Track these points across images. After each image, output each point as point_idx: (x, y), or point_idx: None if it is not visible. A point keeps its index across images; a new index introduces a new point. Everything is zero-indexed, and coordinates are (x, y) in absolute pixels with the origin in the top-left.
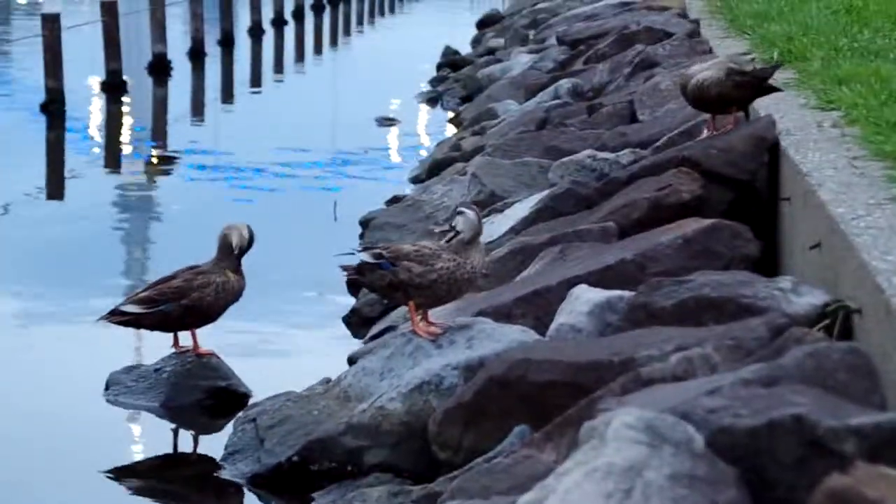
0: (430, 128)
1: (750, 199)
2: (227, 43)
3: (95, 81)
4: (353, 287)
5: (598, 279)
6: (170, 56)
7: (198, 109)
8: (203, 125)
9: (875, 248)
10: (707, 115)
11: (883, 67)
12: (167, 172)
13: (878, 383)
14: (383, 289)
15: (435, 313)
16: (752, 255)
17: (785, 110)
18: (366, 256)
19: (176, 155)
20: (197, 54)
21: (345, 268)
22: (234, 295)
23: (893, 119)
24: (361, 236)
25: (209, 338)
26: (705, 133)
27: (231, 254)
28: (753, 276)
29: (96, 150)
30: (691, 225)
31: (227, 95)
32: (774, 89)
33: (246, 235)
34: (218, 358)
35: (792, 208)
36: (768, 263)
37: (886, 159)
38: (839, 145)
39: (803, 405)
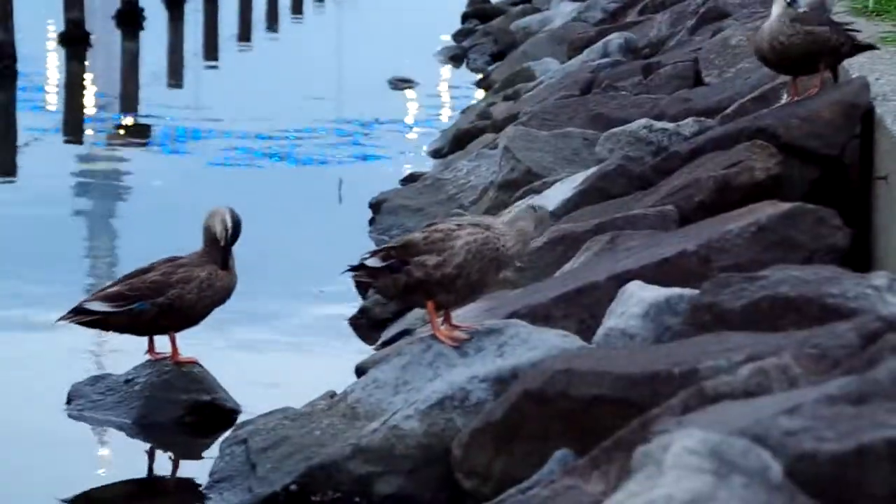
0: (454, 91)
1: (838, 179)
2: None
3: (53, 33)
4: (362, 283)
5: (654, 274)
6: (142, 3)
7: (175, 68)
8: (182, 88)
9: None
10: (787, 78)
11: None
12: (139, 144)
13: None
14: (400, 293)
15: (459, 315)
16: (841, 246)
17: (881, 70)
18: (373, 262)
19: (149, 123)
20: (174, 1)
21: (354, 272)
22: (221, 293)
23: None
24: (372, 222)
25: (191, 343)
26: (785, 98)
27: (218, 245)
28: (841, 271)
29: (54, 116)
30: (766, 209)
31: (211, 51)
32: (869, 47)
33: (229, 222)
34: (201, 367)
35: (889, 189)
36: (860, 256)
37: None
38: None
39: None
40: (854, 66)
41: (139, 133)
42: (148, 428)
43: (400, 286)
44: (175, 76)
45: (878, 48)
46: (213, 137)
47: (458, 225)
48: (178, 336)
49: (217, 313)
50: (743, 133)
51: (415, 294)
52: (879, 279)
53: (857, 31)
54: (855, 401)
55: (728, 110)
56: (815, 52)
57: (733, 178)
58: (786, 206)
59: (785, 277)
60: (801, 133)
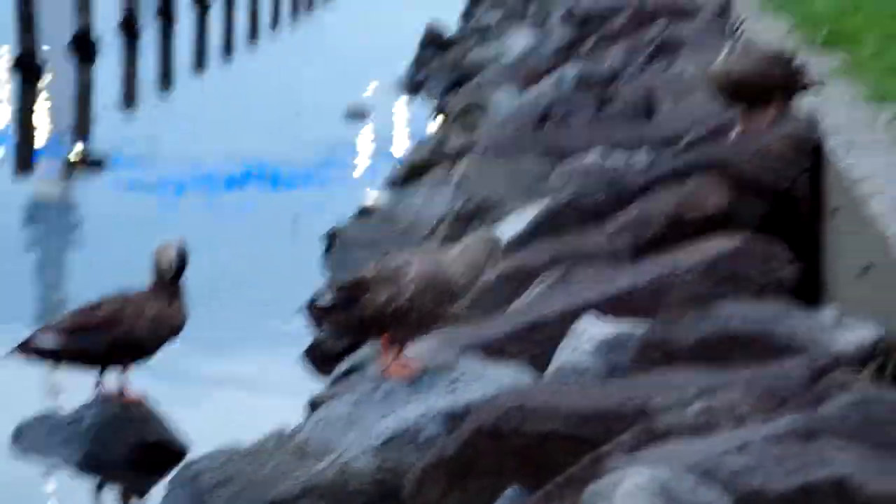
0: (409, 122)
1: (788, 213)
2: (166, 15)
3: (4, 60)
4: (315, 317)
5: (606, 309)
6: (97, 31)
7: (130, 98)
8: (136, 117)
9: None
10: (740, 111)
11: None
12: (92, 173)
13: None
14: (353, 329)
15: (413, 350)
16: (790, 281)
17: (831, 105)
18: (326, 299)
19: (102, 154)
20: (129, 29)
21: (308, 311)
22: (172, 328)
23: None
24: (325, 254)
25: (140, 380)
26: (737, 132)
27: (167, 279)
28: (791, 306)
29: (4, 145)
30: (717, 244)
31: (166, 81)
32: (816, 84)
33: (176, 255)
34: (149, 404)
35: (838, 224)
36: (809, 291)
37: None
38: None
39: (846, 465)
40: (804, 100)
41: (92, 162)
42: (95, 467)
43: (353, 321)
44: (130, 104)
45: (824, 84)
46: (166, 167)
47: (410, 258)
48: (127, 372)
49: (167, 348)
50: (695, 166)
51: (367, 329)
52: (828, 315)
53: (804, 69)
54: (803, 438)
55: (681, 143)
56: (768, 86)
57: (685, 211)
58: (736, 240)
59: (735, 313)
60: (753, 166)
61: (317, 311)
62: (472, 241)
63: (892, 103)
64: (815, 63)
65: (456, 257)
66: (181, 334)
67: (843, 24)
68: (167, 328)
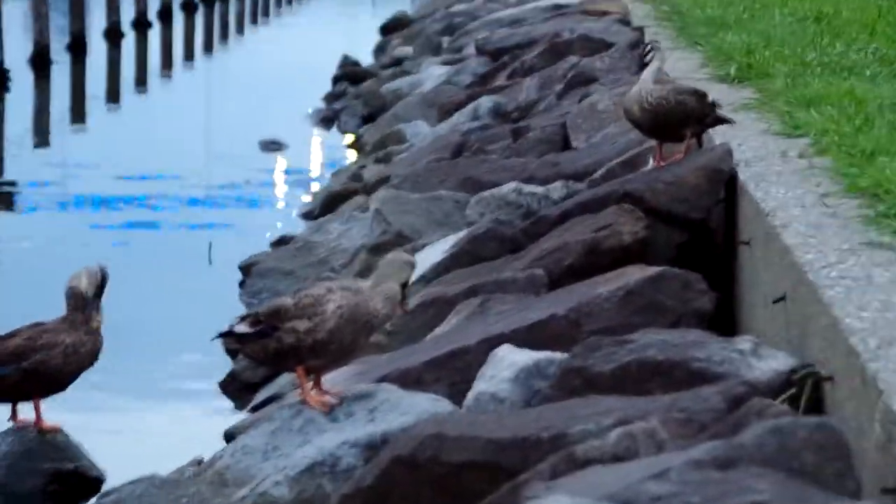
0: (325, 154)
1: (703, 243)
2: (77, 49)
3: None
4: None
5: (524, 338)
6: (6, 64)
7: (41, 130)
8: (47, 149)
9: (849, 303)
10: (654, 143)
11: (858, 87)
12: (3, 207)
13: (852, 465)
14: (270, 359)
15: (330, 379)
16: (706, 310)
17: (744, 137)
18: (242, 328)
19: (13, 186)
20: (40, 62)
21: (223, 339)
22: (88, 357)
23: (870, 148)
24: (242, 284)
25: (55, 409)
26: (651, 163)
27: (83, 306)
28: (707, 335)
29: None
30: (634, 273)
31: (78, 113)
32: (727, 121)
33: (98, 278)
34: (65, 434)
35: (752, 254)
36: (725, 320)
37: (862, 196)
38: (807, 179)
39: (764, 492)
40: (718, 132)
41: (3, 196)
42: (9, 498)
43: (270, 351)
44: (41, 138)
45: (734, 122)
46: (80, 200)
47: (329, 289)
48: (43, 402)
49: (83, 377)
50: (611, 197)
51: (285, 359)
52: (744, 343)
53: (719, 105)
54: (721, 465)
55: (596, 174)
56: (681, 117)
57: (601, 241)
58: (653, 270)
59: (652, 341)
60: (667, 198)
61: (234, 340)
62: (383, 266)
63: (802, 135)
64: (727, 96)
65: (373, 290)
66: (97, 363)
67: (753, 58)
68: (82, 358)
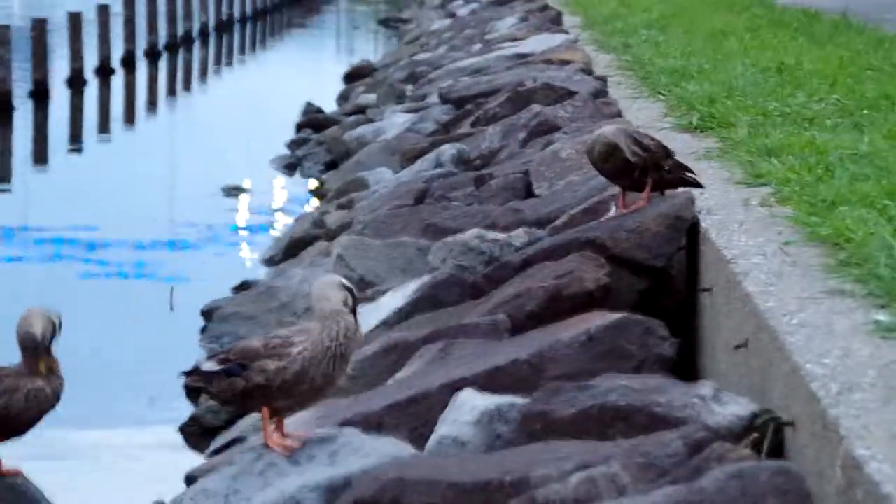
0: (288, 200)
1: (665, 290)
2: (40, 95)
3: None
4: (193, 391)
5: (486, 383)
6: None
7: (2, 174)
8: (8, 193)
9: (809, 350)
10: (616, 190)
11: (819, 136)
12: None
13: None
14: (237, 398)
15: (291, 423)
16: (668, 356)
17: (706, 184)
18: (210, 365)
19: None
20: (2, 108)
21: (189, 377)
22: (49, 402)
23: (831, 197)
24: (203, 330)
25: (14, 453)
26: (613, 211)
27: (38, 349)
28: (669, 380)
29: None
30: (596, 319)
31: (40, 158)
32: (696, 184)
33: (54, 320)
34: (25, 478)
35: (713, 301)
36: (686, 366)
37: (823, 245)
38: (768, 227)
39: None
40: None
41: None
42: None
43: (237, 390)
44: (2, 181)
45: (703, 186)
46: (41, 245)
47: (293, 332)
48: (2, 447)
49: (44, 421)
50: (573, 244)
51: (252, 399)
52: (705, 389)
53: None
54: None
55: (558, 221)
56: (642, 167)
57: (564, 288)
58: (615, 316)
59: (614, 386)
60: (629, 245)
61: (201, 378)
62: (319, 290)
63: (764, 184)
64: (689, 145)
65: (320, 323)
66: (57, 408)
67: (716, 108)
68: (43, 403)
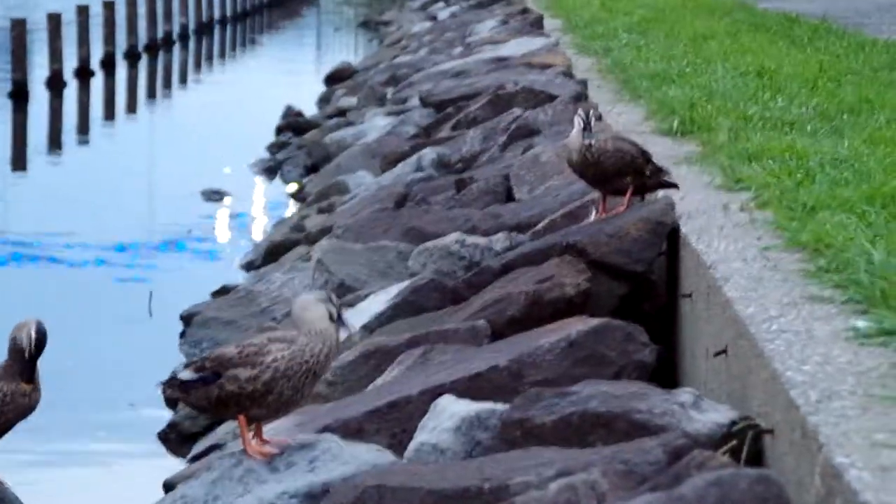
0: (268, 204)
1: (645, 295)
2: (19, 96)
3: None
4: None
5: (466, 389)
6: None
7: None
8: None
9: (790, 357)
10: (596, 195)
11: (799, 141)
12: None
13: None
14: (213, 407)
15: (270, 429)
16: (648, 362)
17: (686, 190)
18: (186, 374)
19: None
20: None
21: (167, 386)
22: (25, 408)
23: (811, 202)
24: (182, 334)
25: None
26: (593, 215)
27: (23, 358)
28: (649, 387)
29: None
30: (576, 325)
31: (19, 161)
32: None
33: (34, 334)
34: (2, 483)
35: (694, 307)
36: (666, 372)
37: (803, 250)
38: (748, 232)
39: None
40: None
41: None
42: None
43: (212, 399)
44: None
45: (678, 187)
46: (17, 247)
47: (270, 339)
48: None
49: (21, 427)
50: (553, 249)
51: (227, 407)
52: (685, 396)
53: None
54: None
55: (539, 226)
56: (621, 171)
57: (544, 293)
58: (595, 321)
59: (594, 393)
60: (609, 250)
61: (176, 387)
62: (303, 304)
63: (744, 189)
64: (670, 150)
65: (306, 336)
66: (34, 414)
67: (696, 112)
68: (19, 407)
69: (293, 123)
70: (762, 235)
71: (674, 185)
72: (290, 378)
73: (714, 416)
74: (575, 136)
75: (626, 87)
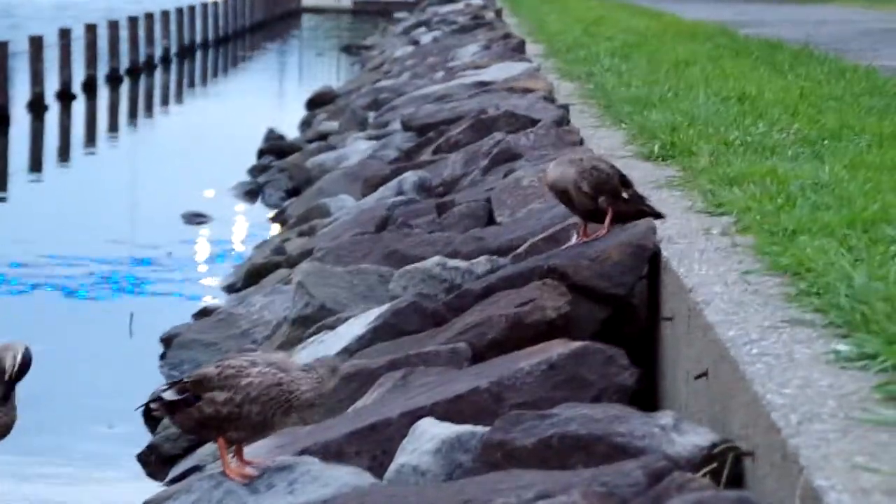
0: (249, 226)
1: (626, 319)
2: (0, 120)
3: None
4: (151, 419)
5: (446, 411)
6: None
7: None
8: None
9: (770, 380)
10: (577, 219)
11: (780, 166)
12: None
13: None
14: (194, 429)
15: (251, 451)
16: (628, 385)
17: (667, 213)
18: (170, 394)
19: None
20: None
21: (152, 406)
22: (2, 430)
23: (792, 227)
24: (163, 357)
25: None
26: (574, 239)
27: (2, 379)
28: (629, 410)
29: None
30: (557, 348)
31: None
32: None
33: (20, 357)
34: None
35: (674, 330)
36: (647, 395)
37: (783, 274)
38: (729, 257)
39: None
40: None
41: None
42: None
43: (193, 420)
44: None
45: (664, 216)
46: (0, 269)
47: (252, 362)
48: None
49: None
50: (534, 272)
51: (207, 429)
52: (665, 418)
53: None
54: None
55: (520, 249)
56: (596, 189)
57: (525, 316)
58: (575, 344)
59: (574, 416)
60: (591, 273)
61: (157, 408)
62: (320, 361)
63: (725, 213)
64: (650, 174)
65: (303, 372)
66: (12, 435)
67: (677, 136)
68: None
69: (275, 147)
70: (743, 259)
71: (660, 216)
72: (260, 403)
73: (694, 438)
74: (556, 161)
75: (607, 111)
